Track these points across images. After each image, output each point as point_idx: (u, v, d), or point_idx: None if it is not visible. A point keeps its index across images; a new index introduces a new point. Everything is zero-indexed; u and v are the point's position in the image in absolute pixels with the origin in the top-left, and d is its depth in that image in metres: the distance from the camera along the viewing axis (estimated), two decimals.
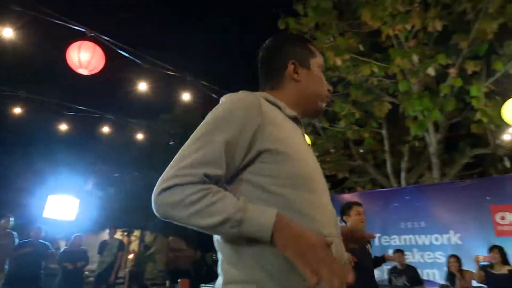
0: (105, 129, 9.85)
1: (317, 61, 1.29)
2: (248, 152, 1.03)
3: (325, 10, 6.64)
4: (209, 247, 14.02)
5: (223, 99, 1.14)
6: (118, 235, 13.14)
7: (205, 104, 8.07)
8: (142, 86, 5.32)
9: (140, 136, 11.00)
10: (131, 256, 11.84)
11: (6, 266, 6.08)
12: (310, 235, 0.93)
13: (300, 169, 1.07)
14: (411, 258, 6.72)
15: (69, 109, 6.75)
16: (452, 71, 5.91)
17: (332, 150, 9.23)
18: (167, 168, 1.02)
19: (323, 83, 1.28)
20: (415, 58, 5.53)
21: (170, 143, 12.22)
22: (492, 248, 5.02)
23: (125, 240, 14.19)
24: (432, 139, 7.12)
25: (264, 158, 1.04)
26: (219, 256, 1.10)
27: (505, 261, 4.91)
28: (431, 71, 5.72)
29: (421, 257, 6.69)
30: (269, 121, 1.06)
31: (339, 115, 8.16)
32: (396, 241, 6.95)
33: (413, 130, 6.55)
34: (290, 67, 1.24)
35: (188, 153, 1.00)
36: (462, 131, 7.56)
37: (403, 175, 7.90)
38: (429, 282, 6.25)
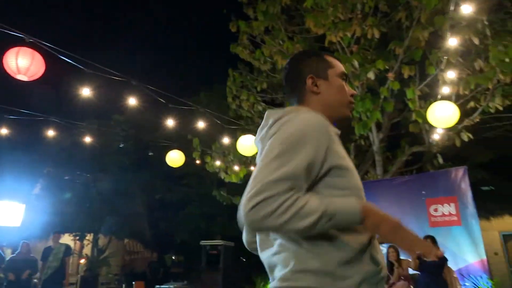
0: (51, 133, 9.46)
1: (335, 71, 1.37)
2: (321, 168, 1.15)
3: (274, 14, 6.86)
4: (167, 249, 13.99)
5: (289, 117, 1.20)
6: (69, 239, 12.72)
7: (153, 107, 8.04)
8: (86, 91, 5.25)
9: (90, 139, 10.70)
10: (82, 261, 11.49)
11: None
12: (390, 217, 1.12)
13: (356, 181, 1.25)
14: None
15: (11, 112, 6.48)
16: (390, 75, 6.35)
17: None
18: (251, 185, 1.06)
19: (344, 91, 1.37)
20: (356, 63, 5.88)
21: (121, 145, 12.02)
22: (425, 238, 5.46)
23: (78, 244, 13.74)
24: (375, 138, 7.59)
25: (334, 173, 1.17)
26: (279, 257, 1.18)
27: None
28: (371, 75, 6.10)
29: None
30: (332, 138, 1.19)
31: None
32: None
33: (357, 130, 6.93)
34: (309, 81, 1.34)
35: (270, 170, 1.06)
36: (402, 131, 8.11)
37: None
38: None
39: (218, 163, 8.57)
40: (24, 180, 11.77)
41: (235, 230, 9.09)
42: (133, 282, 9.52)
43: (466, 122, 6.52)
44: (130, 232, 14.14)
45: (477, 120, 6.41)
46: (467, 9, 4.61)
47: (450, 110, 4.46)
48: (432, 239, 5.44)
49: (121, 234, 13.08)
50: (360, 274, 1.13)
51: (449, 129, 6.90)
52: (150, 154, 9.01)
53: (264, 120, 1.31)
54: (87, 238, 13.21)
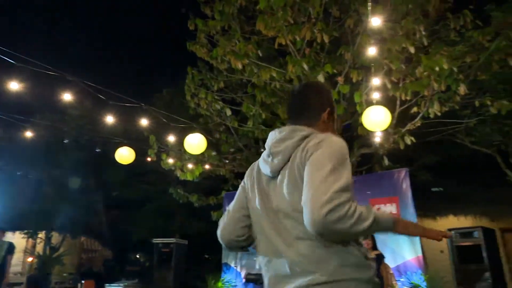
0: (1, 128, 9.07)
1: (335, 110, 1.64)
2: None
3: (230, 14, 6.93)
4: (125, 247, 13.77)
5: (321, 137, 1.41)
6: (20, 237, 12.27)
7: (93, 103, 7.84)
8: (33, 86, 5.15)
9: (42, 134, 10.34)
10: (30, 259, 11.12)
11: None
12: (409, 221, 1.48)
13: None
14: None
15: None
16: (340, 79, 6.57)
17: (242, 148, 9.62)
18: (317, 193, 1.24)
19: (335, 124, 1.66)
20: (305, 66, 6.04)
21: (65, 141, 11.70)
22: (366, 236, 5.72)
23: (30, 242, 13.27)
24: None
25: None
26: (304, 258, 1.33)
27: (374, 247, 5.64)
28: (321, 78, 6.29)
29: None
30: None
31: (248, 115, 8.55)
32: None
33: None
34: (326, 112, 1.58)
35: (331, 182, 1.26)
36: (354, 133, 8.39)
37: None
38: None
39: (171, 161, 8.54)
40: None
41: (193, 228, 9.18)
42: (82, 281, 9.33)
43: (409, 126, 6.85)
44: (86, 230, 13.80)
45: (419, 124, 6.73)
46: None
47: (382, 114, 4.71)
48: (372, 238, 5.70)
49: (76, 232, 12.73)
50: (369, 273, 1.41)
51: (394, 133, 7.24)
52: (98, 150, 8.83)
53: (285, 132, 1.48)
54: (39, 236, 12.78)
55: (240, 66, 6.65)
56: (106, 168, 12.07)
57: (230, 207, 1.61)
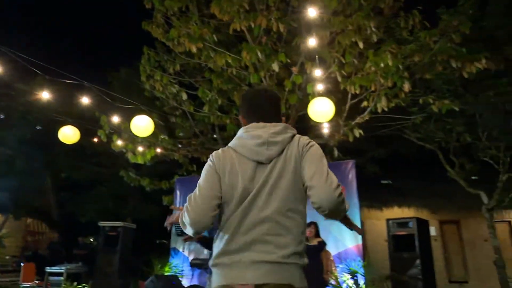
0: None
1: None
2: None
3: None
4: (74, 230, 13.31)
5: (311, 141, 1.74)
6: None
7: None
8: None
9: None
10: None
11: None
12: None
13: None
14: None
15: None
16: (294, 69, 6.65)
17: (198, 134, 9.54)
18: (328, 180, 1.57)
19: None
20: (259, 54, 6.05)
21: (38, 128, 11.11)
22: (309, 224, 5.90)
23: None
24: None
25: None
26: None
27: (317, 235, 5.84)
28: (275, 67, 6.34)
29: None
30: None
31: (204, 100, 8.46)
32: None
33: None
34: (284, 119, 1.82)
35: (332, 174, 1.59)
36: (309, 123, 8.55)
37: None
38: None
39: (120, 142, 8.31)
40: None
41: (145, 212, 8.99)
42: (21, 264, 8.96)
43: (358, 119, 7.09)
44: (31, 211, 13.21)
45: (367, 118, 6.98)
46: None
47: (327, 106, 4.83)
48: (315, 225, 5.89)
49: (19, 213, 12.14)
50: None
51: (344, 125, 7.47)
52: (38, 128, 8.43)
53: (280, 127, 1.67)
54: None
55: (194, 50, 6.54)
56: (54, 148, 11.55)
57: (201, 188, 1.60)
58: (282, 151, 1.60)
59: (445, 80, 7.76)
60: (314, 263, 5.61)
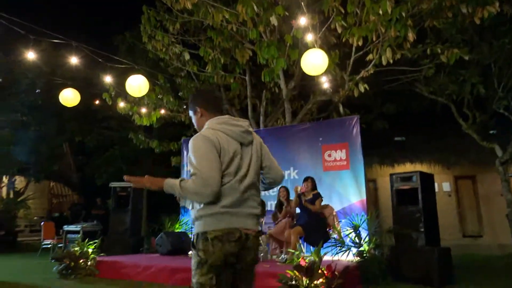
0: None
1: None
2: None
3: None
4: (92, 192, 13.83)
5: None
6: None
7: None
8: None
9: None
10: None
11: None
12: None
13: None
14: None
15: None
16: (294, 22, 6.38)
17: None
18: (278, 166, 2.21)
19: None
20: (255, 7, 5.81)
21: (38, 89, 11.22)
22: (306, 179, 5.93)
23: None
24: (283, 86, 7.75)
25: None
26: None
27: (314, 188, 5.86)
28: (273, 20, 6.10)
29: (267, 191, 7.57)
30: None
31: (206, 60, 8.32)
32: None
33: (265, 76, 7.04)
34: None
35: None
36: (314, 80, 8.32)
37: (261, 118, 8.57)
38: (271, 211, 7.19)
39: (122, 104, 8.37)
40: None
41: (157, 174, 9.12)
42: (42, 223, 9.44)
43: (363, 73, 6.84)
44: (51, 175, 13.74)
45: (372, 71, 6.72)
46: None
47: (320, 58, 4.64)
48: (312, 180, 5.92)
49: (39, 176, 12.65)
50: None
51: (349, 80, 7.24)
52: (38, 91, 8.54)
53: (247, 122, 2.10)
54: (3, 180, 12.68)
55: (189, 6, 6.34)
56: (66, 114, 11.77)
57: (211, 161, 1.85)
58: (253, 139, 2.06)
59: (458, 29, 7.30)
60: (310, 216, 5.68)
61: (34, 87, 11.08)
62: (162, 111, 8.76)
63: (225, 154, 1.90)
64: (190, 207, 2.04)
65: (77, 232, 7.80)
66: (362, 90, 6.91)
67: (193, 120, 2.19)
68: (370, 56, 6.73)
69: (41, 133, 11.65)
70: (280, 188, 6.47)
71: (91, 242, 6.13)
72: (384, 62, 6.31)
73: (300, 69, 8.22)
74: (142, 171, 12.59)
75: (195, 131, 7.36)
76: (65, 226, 8.20)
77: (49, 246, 8.79)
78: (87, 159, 13.78)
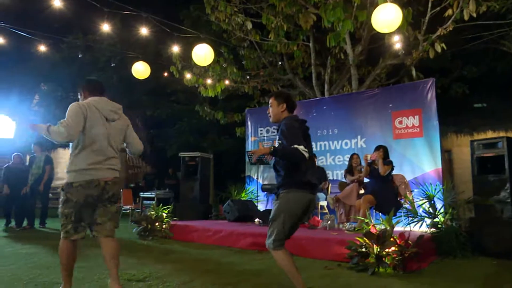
0: (42, 48, 9.31)
1: None
2: None
3: None
4: (163, 163, 14.67)
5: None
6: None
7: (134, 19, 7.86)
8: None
9: (76, 54, 10.63)
10: None
11: None
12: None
13: None
14: (324, 161, 7.44)
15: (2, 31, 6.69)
16: None
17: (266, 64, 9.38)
18: (139, 141, 3.05)
19: None
20: None
21: (112, 65, 11.91)
22: (377, 148, 5.63)
23: None
24: (349, 50, 7.35)
25: None
26: None
27: (386, 158, 5.56)
28: None
29: (332, 160, 7.40)
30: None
31: (269, 28, 8.16)
32: (314, 147, 7.57)
33: (330, 41, 6.74)
34: None
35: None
36: (380, 42, 7.79)
37: (326, 86, 8.27)
38: (337, 180, 7.04)
39: (189, 76, 8.56)
40: (19, 95, 12.15)
41: (223, 145, 9.45)
42: (121, 190, 10.23)
43: (440, 31, 6.22)
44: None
45: (451, 28, 6.08)
46: None
47: (392, 13, 4.24)
48: (384, 149, 5.59)
49: None
50: None
51: (424, 40, 6.64)
52: (113, 64, 9.01)
53: (117, 105, 2.93)
54: None
55: None
56: (138, 89, 12.45)
57: (74, 119, 2.61)
58: (119, 118, 2.85)
59: None
60: (386, 186, 5.44)
61: (109, 64, 11.80)
62: (227, 82, 8.84)
63: (92, 120, 2.67)
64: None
65: (151, 198, 8.35)
66: (439, 50, 6.30)
67: (273, 111, 2.86)
68: (449, 12, 6.08)
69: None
70: (353, 154, 6.26)
71: (164, 207, 6.52)
72: (466, 17, 5.67)
73: (368, 32, 7.75)
74: (208, 141, 13.05)
75: (259, 102, 7.58)
76: (141, 193, 8.83)
77: (128, 211, 9.58)
78: (158, 132, 14.58)
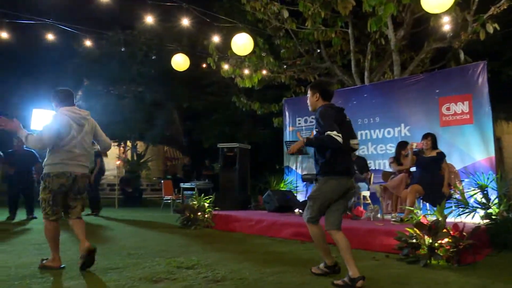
0: (87, 43, 9.61)
1: None
2: None
3: None
4: (200, 154, 14.92)
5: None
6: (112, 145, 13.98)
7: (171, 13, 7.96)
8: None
9: (116, 49, 10.97)
10: (118, 162, 12.72)
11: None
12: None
13: None
14: (366, 151, 7.24)
15: (49, 27, 7.06)
16: None
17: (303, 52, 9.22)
18: (107, 138, 3.72)
19: None
20: None
21: (153, 58, 12.18)
22: (426, 136, 5.39)
23: (119, 150, 15.11)
24: (391, 35, 7.06)
25: None
26: None
27: (434, 147, 5.32)
28: None
29: (374, 149, 7.19)
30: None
31: (305, 15, 7.99)
32: None
33: (371, 26, 6.50)
34: None
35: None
36: (426, 25, 7.42)
37: (366, 74, 8.02)
38: (379, 170, 6.83)
39: (226, 67, 8.56)
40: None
41: (258, 136, 9.47)
42: (162, 181, 10.51)
43: (493, 10, 5.83)
44: (166, 140, 15.14)
45: (505, 7, 5.68)
46: None
47: None
48: (433, 137, 5.35)
49: (154, 141, 14.06)
50: None
51: (473, 20, 6.25)
52: (153, 57, 9.16)
53: (85, 112, 3.52)
54: (127, 144, 14.42)
55: None
56: (174, 82, 12.65)
57: (52, 128, 3.27)
58: (87, 122, 3.43)
59: None
60: (433, 176, 5.21)
61: (148, 58, 12.09)
62: (264, 72, 8.78)
63: (66, 126, 3.26)
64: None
65: (192, 189, 8.50)
66: (491, 31, 5.92)
67: (309, 100, 3.10)
68: None
69: (155, 101, 12.80)
70: (401, 142, 5.97)
71: (206, 198, 6.61)
72: None
73: (411, 15, 7.41)
74: (244, 132, 13.10)
75: (295, 92, 7.60)
76: (181, 184, 9.01)
77: (169, 201, 9.84)
78: (194, 124, 14.81)
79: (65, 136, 3.24)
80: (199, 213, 6.35)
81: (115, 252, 4.11)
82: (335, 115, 2.87)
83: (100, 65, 12.49)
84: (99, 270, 3.24)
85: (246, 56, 8.22)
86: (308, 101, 3.12)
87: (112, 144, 13.49)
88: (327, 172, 2.88)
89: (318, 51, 9.19)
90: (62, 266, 3.29)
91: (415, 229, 3.79)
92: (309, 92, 3.09)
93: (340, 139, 2.66)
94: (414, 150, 5.42)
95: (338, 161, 2.83)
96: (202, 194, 6.73)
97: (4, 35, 7.44)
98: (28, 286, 2.73)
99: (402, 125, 6.82)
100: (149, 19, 6.45)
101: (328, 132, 2.67)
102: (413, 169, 5.58)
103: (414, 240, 3.78)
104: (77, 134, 3.31)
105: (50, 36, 7.91)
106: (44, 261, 3.32)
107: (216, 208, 6.69)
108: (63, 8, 11.49)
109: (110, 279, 2.95)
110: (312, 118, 7.98)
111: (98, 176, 8.36)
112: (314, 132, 2.94)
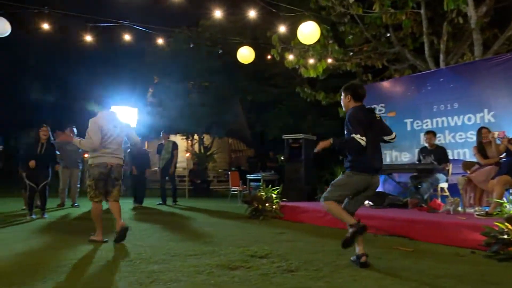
0: (160, 42, 10.07)
1: None
2: None
3: None
4: (265, 146, 15.09)
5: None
6: (179, 139, 14.70)
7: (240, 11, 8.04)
8: None
9: (182, 46, 11.41)
10: (187, 155, 13.28)
11: (80, 166, 8.05)
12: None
13: None
14: (443, 139, 6.75)
15: (125, 29, 7.68)
16: None
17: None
18: (136, 135, 4.63)
19: None
20: None
21: (220, 52, 12.49)
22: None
23: (188, 143, 15.80)
24: (471, 12, 6.45)
25: None
26: None
27: None
28: None
29: (452, 138, 6.68)
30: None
31: None
32: (428, 124, 6.92)
33: (448, 4, 6.02)
34: None
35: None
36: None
37: (441, 57, 7.44)
38: (459, 160, 6.34)
39: (291, 57, 8.46)
40: (138, 88, 13.60)
41: (323, 126, 9.37)
42: (229, 172, 10.79)
43: None
44: (231, 132, 15.49)
45: None
46: None
47: None
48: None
49: (221, 133, 14.46)
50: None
51: None
52: (220, 52, 9.33)
53: (115, 112, 4.58)
54: (194, 137, 15.03)
55: None
56: (239, 75, 12.87)
57: (95, 131, 4.10)
58: (120, 123, 4.26)
59: None
60: None
61: (213, 53, 12.42)
62: (329, 61, 8.56)
63: (104, 128, 4.05)
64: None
65: (258, 180, 8.62)
66: None
67: (342, 101, 3.32)
68: None
69: (220, 94, 13.14)
70: (483, 129, 5.46)
71: (274, 189, 6.65)
72: None
73: (492, 1, 6.70)
74: (308, 123, 12.95)
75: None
76: (248, 175, 9.18)
77: (235, 192, 10.08)
78: (258, 116, 14.98)
79: (104, 135, 4.03)
80: (267, 204, 6.42)
81: (193, 240, 4.32)
82: (364, 117, 3.08)
83: (168, 62, 13.12)
84: (180, 256, 3.42)
85: (310, 45, 8.07)
86: (341, 102, 3.37)
87: (181, 138, 14.22)
88: (352, 168, 3.11)
89: (388, 35, 8.72)
90: (105, 240, 4.03)
91: (506, 224, 3.45)
92: (342, 94, 3.32)
93: (363, 142, 2.92)
94: (497, 138, 4.92)
95: (361, 160, 3.06)
96: (269, 186, 6.78)
97: (89, 38, 8.14)
98: (120, 269, 2.97)
99: (486, 110, 6.22)
100: (217, 14, 6.57)
101: (353, 135, 2.94)
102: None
103: (505, 236, 3.44)
104: (113, 133, 4.10)
105: (126, 37, 8.46)
106: (91, 236, 4.09)
107: (284, 199, 6.72)
108: (135, 9, 12.23)
109: (190, 265, 3.10)
110: (381, 107, 7.64)
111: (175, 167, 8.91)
112: (345, 132, 3.14)
